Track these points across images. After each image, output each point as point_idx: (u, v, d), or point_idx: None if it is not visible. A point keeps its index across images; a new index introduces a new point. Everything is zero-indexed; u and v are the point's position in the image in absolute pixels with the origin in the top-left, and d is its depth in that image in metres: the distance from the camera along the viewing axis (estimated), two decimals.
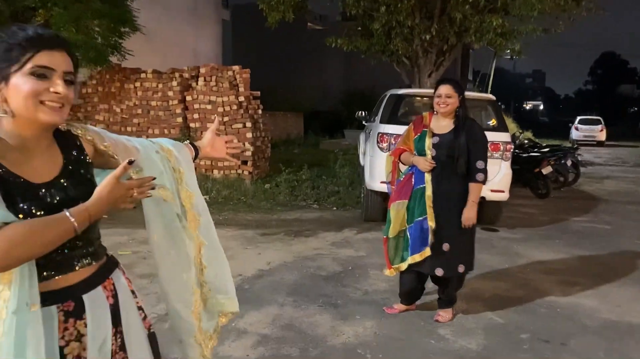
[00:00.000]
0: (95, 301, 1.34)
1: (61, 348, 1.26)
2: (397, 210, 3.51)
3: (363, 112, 8.48)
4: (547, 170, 8.60)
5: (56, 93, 1.21)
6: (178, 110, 8.70)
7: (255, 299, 3.95)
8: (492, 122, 6.22)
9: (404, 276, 3.62)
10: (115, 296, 1.41)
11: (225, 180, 8.22)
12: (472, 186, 3.40)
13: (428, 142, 3.45)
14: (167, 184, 1.56)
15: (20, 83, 1.19)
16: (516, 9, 9.67)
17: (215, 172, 8.43)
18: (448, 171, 3.40)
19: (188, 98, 8.63)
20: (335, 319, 3.62)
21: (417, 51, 10.44)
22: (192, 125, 8.62)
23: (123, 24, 9.22)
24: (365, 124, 8.23)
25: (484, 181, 3.41)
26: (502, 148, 6.00)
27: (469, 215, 3.38)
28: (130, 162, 1.28)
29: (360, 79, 22.10)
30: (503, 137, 6.05)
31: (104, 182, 1.26)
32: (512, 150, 6.24)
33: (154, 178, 1.37)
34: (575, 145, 11.05)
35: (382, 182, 5.80)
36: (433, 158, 3.41)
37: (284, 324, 3.51)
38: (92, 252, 1.37)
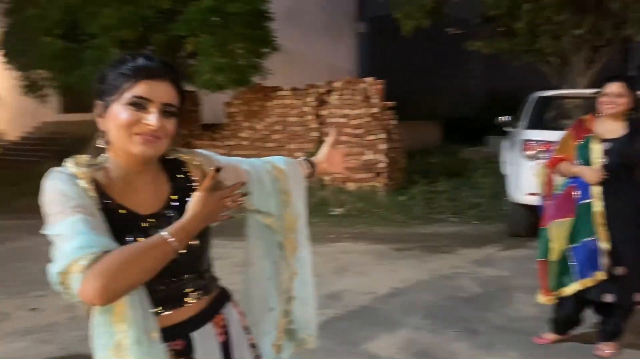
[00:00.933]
0: (206, 339, 1.27)
1: None
2: (558, 230, 3.06)
3: (506, 117, 7.90)
4: None
5: (148, 125, 1.16)
6: (314, 125, 8.85)
7: (388, 320, 3.77)
8: None
9: (563, 302, 3.18)
10: (226, 333, 1.33)
11: (359, 192, 8.15)
12: None
13: (596, 148, 2.99)
14: (273, 210, 1.49)
15: (117, 112, 1.16)
16: None
17: (350, 183, 8.41)
18: (621, 182, 2.93)
19: (323, 112, 8.76)
20: (475, 347, 3.30)
21: (567, 48, 9.53)
22: (327, 138, 8.72)
23: (264, 45, 9.71)
24: (509, 130, 7.65)
25: None
26: None
27: None
28: (218, 170, 1.20)
29: (504, 82, 20.85)
30: None
31: (195, 197, 1.18)
32: None
33: (244, 183, 1.29)
34: None
35: (529, 194, 5.29)
36: (603, 167, 2.96)
37: (419, 351, 3.28)
38: (202, 285, 1.30)
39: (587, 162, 3.01)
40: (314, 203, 8.13)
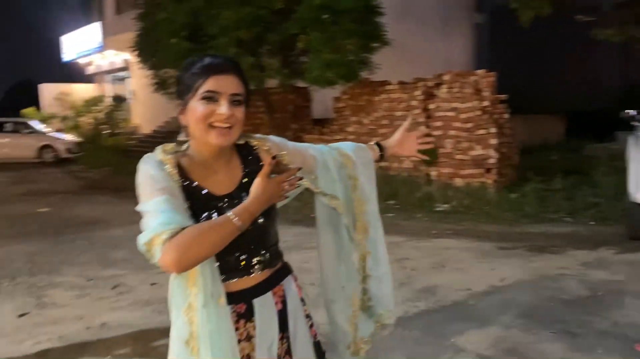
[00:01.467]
0: (264, 306, 1.42)
1: None
2: None
3: (632, 111, 7.25)
4: None
5: (221, 114, 1.32)
6: (421, 119, 8.76)
7: (480, 317, 3.70)
8: None
9: None
10: (284, 302, 1.47)
11: (467, 189, 7.95)
12: None
13: None
14: (339, 193, 1.59)
15: (194, 108, 1.33)
16: None
17: (458, 179, 8.22)
18: None
19: (431, 106, 8.64)
20: (569, 350, 3.15)
21: None
22: (434, 133, 8.58)
23: (373, 40, 9.77)
24: (636, 125, 7.02)
25: None
26: None
27: None
28: (274, 157, 1.34)
29: None
30: None
31: (256, 182, 1.32)
32: None
33: (300, 169, 1.40)
34: None
35: None
36: None
37: (507, 348, 3.20)
38: (267, 259, 1.44)
39: None
40: (419, 198, 8.08)
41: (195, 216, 1.32)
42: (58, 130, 19.14)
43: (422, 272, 4.78)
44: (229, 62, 1.36)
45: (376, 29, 9.37)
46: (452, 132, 8.31)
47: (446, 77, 8.59)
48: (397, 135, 1.84)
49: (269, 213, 1.41)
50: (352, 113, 9.98)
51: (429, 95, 8.77)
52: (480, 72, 8.39)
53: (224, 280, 1.36)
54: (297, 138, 10.09)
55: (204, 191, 1.37)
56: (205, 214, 1.34)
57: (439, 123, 8.51)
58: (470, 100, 8.19)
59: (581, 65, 21.96)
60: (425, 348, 3.25)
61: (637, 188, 5.26)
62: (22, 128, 17.68)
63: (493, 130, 7.97)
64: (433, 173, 8.57)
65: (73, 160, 16.65)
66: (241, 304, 1.39)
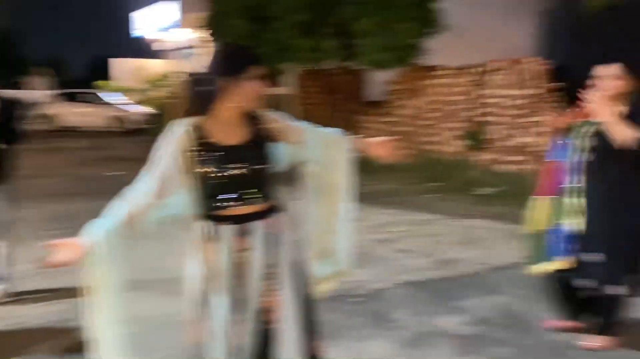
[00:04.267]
0: (256, 227, 1.91)
1: None
2: None
3: None
4: None
5: (262, 90, 1.87)
6: (469, 105, 8.90)
7: (488, 287, 4.02)
8: None
9: None
10: (273, 228, 1.94)
11: (509, 175, 8.06)
12: None
13: None
14: (314, 161, 2.07)
15: (246, 85, 1.86)
16: None
17: (501, 166, 8.33)
18: None
19: (482, 92, 8.74)
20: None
21: None
22: (481, 119, 8.70)
23: (428, 25, 9.89)
24: None
25: None
26: None
27: None
28: None
29: None
30: None
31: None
32: None
33: None
34: None
35: None
36: None
37: (508, 314, 3.52)
38: (260, 196, 1.92)
39: None
40: (461, 181, 8.32)
41: (210, 154, 1.84)
42: (130, 103, 20.45)
43: (445, 246, 5.10)
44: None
45: (431, 14, 9.52)
46: (496, 119, 8.42)
47: (497, 64, 8.64)
48: (376, 140, 2.16)
49: (262, 165, 1.90)
50: (403, 97, 10.22)
51: (481, 82, 8.86)
52: (528, 59, 8.40)
53: (227, 207, 1.86)
54: (350, 119, 10.50)
55: (216, 144, 1.87)
56: (214, 156, 1.85)
57: (489, 110, 8.62)
58: (520, 88, 8.25)
59: None
60: (430, 307, 3.62)
61: None
62: (94, 99, 19.26)
63: (536, 119, 8.00)
64: (478, 158, 8.72)
65: (143, 130, 17.82)
66: (239, 226, 1.89)
